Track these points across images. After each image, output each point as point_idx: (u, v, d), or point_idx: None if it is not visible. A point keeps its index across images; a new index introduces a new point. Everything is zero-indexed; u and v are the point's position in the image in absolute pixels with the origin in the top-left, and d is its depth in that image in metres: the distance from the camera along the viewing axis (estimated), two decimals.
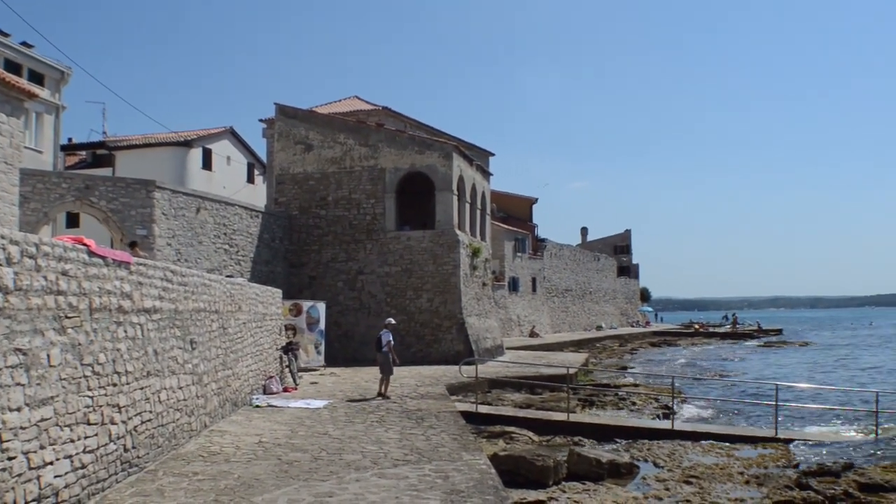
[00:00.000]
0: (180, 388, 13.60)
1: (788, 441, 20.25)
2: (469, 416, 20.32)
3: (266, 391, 21.32)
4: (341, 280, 35.40)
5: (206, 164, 44.20)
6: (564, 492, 14.80)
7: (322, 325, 30.57)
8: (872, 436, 21.07)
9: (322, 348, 30.44)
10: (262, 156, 47.39)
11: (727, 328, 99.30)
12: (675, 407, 25.37)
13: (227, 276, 23.26)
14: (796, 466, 17.40)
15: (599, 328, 78.70)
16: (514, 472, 15.16)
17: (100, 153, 44.68)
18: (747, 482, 15.84)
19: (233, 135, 47.56)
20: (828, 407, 26.88)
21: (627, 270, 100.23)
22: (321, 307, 30.81)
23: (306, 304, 30.07)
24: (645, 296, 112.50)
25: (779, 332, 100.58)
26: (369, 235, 35.28)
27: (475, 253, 37.32)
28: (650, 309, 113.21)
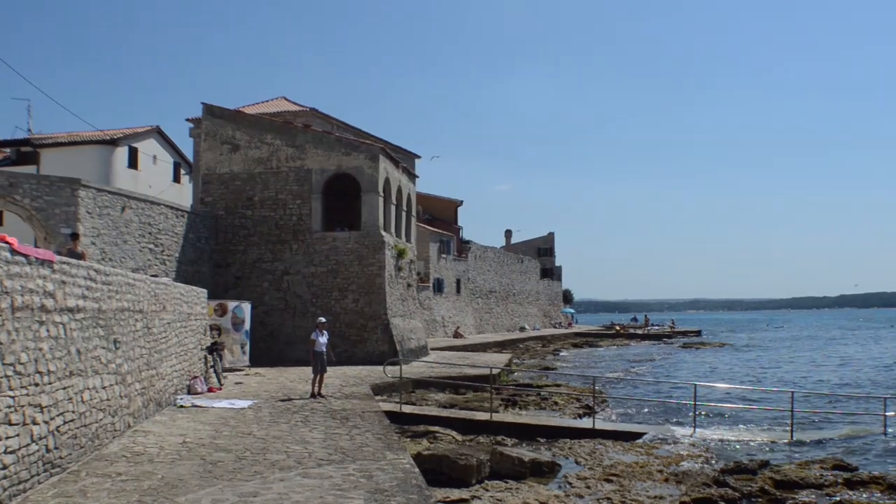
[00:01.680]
0: (104, 388, 13.52)
1: (707, 440, 20.84)
2: (393, 416, 20.49)
3: (191, 391, 21.23)
4: (267, 280, 35.26)
5: (132, 162, 43.56)
6: (487, 490, 14.97)
7: (247, 326, 30.45)
8: (788, 435, 21.68)
9: (247, 348, 30.32)
10: (189, 155, 46.84)
11: (639, 330, 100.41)
12: (595, 407, 25.79)
13: (152, 276, 23.06)
14: (714, 464, 17.91)
15: (523, 329, 79.33)
16: (437, 471, 15.30)
17: (24, 150, 43.73)
18: (666, 480, 16.19)
19: (159, 134, 46.91)
20: (745, 407, 27.52)
21: (550, 272, 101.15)
22: (246, 307, 30.68)
23: (231, 305, 29.91)
24: (567, 297, 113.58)
25: (698, 333, 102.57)
26: (295, 236, 35.20)
27: (400, 254, 37.49)
28: (572, 310, 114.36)
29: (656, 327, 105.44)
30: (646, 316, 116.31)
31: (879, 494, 15.03)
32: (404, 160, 44.37)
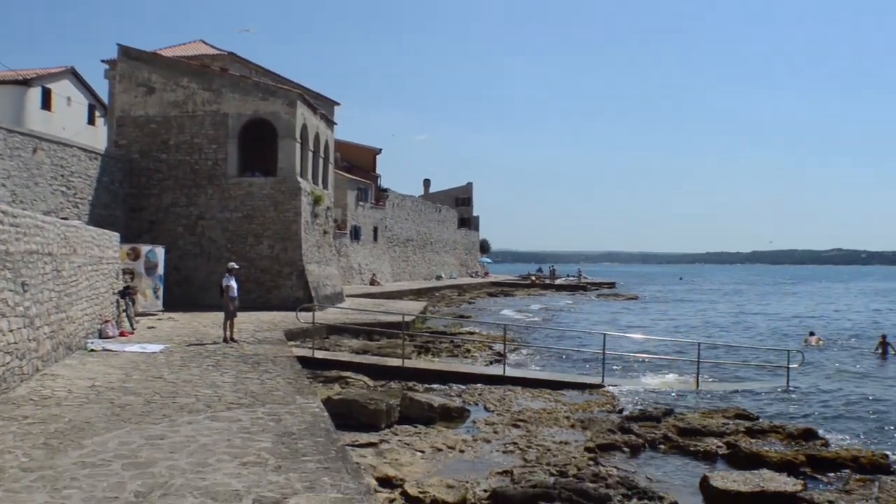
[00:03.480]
0: (11, 331, 13.44)
1: (614, 388, 21.46)
2: (305, 362, 20.71)
3: (102, 335, 21.09)
4: (181, 225, 34.92)
5: (46, 104, 42.47)
6: (396, 434, 15.26)
7: (161, 270, 30.19)
8: (693, 385, 22.48)
9: (161, 293, 30.09)
10: (105, 98, 45.80)
11: (547, 280, 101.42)
12: (507, 354, 26.31)
13: (63, 219, 22.76)
14: (620, 412, 18.48)
15: (439, 278, 79.93)
16: (347, 416, 15.49)
17: None
18: (573, 426, 16.68)
19: (74, 75, 45.71)
20: (653, 356, 28.30)
21: (468, 222, 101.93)
22: (160, 252, 30.41)
23: (145, 249, 29.61)
24: (484, 247, 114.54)
25: (612, 285, 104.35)
26: (211, 181, 34.88)
27: (317, 201, 37.45)
28: (489, 260, 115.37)
29: (567, 278, 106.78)
30: (551, 267, 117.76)
31: (779, 443, 15.67)
32: (323, 107, 44.15)
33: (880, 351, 31.09)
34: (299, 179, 35.00)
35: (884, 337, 32.45)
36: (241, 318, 23.55)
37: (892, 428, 18.08)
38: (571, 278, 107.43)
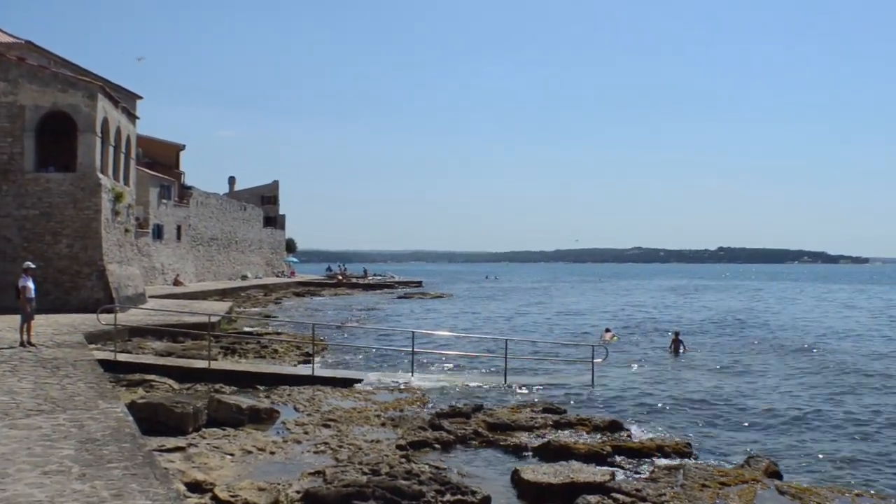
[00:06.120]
0: None
1: (424, 385, 21.88)
2: (108, 365, 20.10)
3: None
4: None
5: None
6: (204, 438, 15.03)
7: None
8: (502, 381, 23.10)
9: None
10: None
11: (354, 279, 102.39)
12: (315, 354, 26.36)
13: None
14: (431, 409, 18.81)
15: (245, 277, 78.84)
16: (153, 420, 15.12)
17: None
18: (384, 424, 16.87)
19: None
20: (462, 353, 28.80)
21: (274, 221, 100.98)
22: None
23: None
24: (291, 247, 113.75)
25: (419, 283, 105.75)
26: (6, 176, 33.13)
27: (118, 198, 36.33)
28: (296, 259, 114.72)
29: (375, 277, 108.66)
30: (341, 265, 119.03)
31: (585, 434, 16.32)
32: (124, 100, 42.81)
33: (672, 348, 32.85)
34: (100, 176, 33.86)
35: (676, 334, 34.29)
36: (39, 320, 22.63)
37: (690, 418, 19.25)
38: (378, 277, 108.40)
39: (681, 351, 32.50)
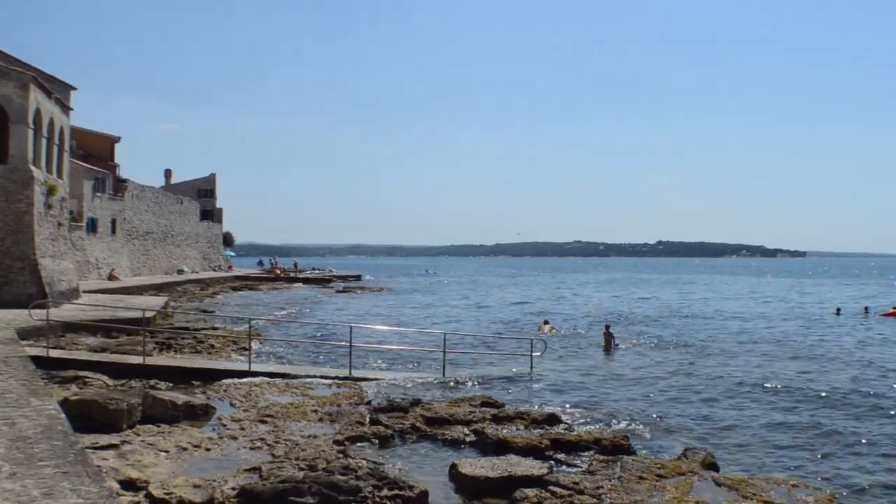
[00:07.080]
0: None
1: (362, 380, 21.76)
2: (40, 362, 19.73)
3: None
4: None
5: None
6: (139, 434, 14.80)
7: None
8: (440, 375, 23.15)
9: None
10: None
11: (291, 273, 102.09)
12: (252, 349, 26.17)
13: None
14: (368, 404, 18.69)
15: (181, 272, 77.99)
16: (86, 417, 14.87)
17: None
18: (321, 420, 16.73)
19: None
20: (400, 348, 28.83)
21: (211, 214, 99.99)
22: None
23: None
24: (228, 240, 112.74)
25: (358, 277, 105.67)
26: None
27: (51, 191, 35.69)
28: (233, 253, 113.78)
29: (313, 271, 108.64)
30: (272, 259, 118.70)
31: (523, 428, 16.30)
32: (58, 90, 42.02)
33: (605, 342, 33.16)
34: (32, 168, 33.23)
35: (607, 327, 34.59)
36: None
37: (627, 411, 19.37)
38: (317, 271, 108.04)
39: (613, 344, 32.81)
